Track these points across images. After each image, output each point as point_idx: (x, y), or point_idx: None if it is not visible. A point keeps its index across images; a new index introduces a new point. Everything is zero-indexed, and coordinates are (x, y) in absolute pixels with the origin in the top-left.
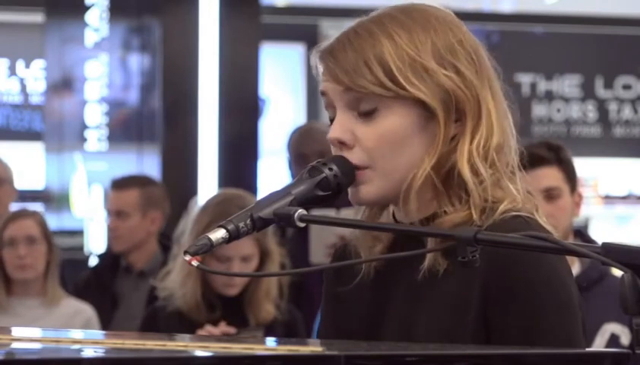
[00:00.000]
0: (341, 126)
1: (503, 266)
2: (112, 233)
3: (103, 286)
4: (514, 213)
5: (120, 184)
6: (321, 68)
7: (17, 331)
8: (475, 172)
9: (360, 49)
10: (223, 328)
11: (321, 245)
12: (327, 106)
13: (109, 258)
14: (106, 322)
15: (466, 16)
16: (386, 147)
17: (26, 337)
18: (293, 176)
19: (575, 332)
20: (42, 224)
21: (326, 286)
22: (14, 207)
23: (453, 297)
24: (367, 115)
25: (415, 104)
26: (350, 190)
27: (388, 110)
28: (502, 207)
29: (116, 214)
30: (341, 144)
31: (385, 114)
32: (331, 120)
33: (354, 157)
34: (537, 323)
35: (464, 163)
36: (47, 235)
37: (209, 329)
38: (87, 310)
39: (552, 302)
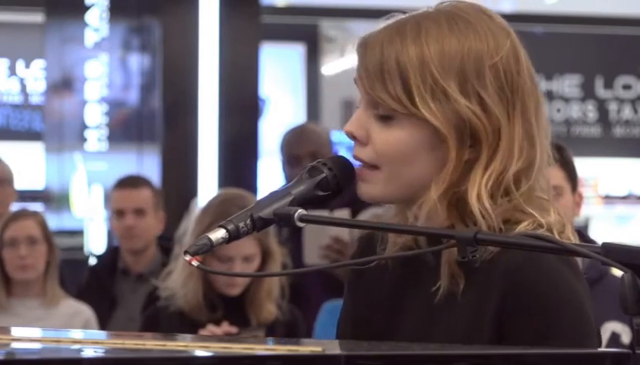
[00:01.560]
0: (358, 122)
1: (521, 281)
2: (130, 232)
3: (102, 287)
4: (530, 232)
5: (134, 182)
6: (357, 55)
7: (17, 331)
8: (481, 203)
9: (387, 52)
10: (225, 327)
11: (314, 246)
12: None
13: (108, 260)
14: (105, 324)
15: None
16: (393, 156)
17: (27, 337)
18: (287, 177)
19: (589, 343)
20: (43, 225)
21: (349, 271)
22: (14, 207)
23: (470, 308)
24: (383, 119)
25: (427, 125)
26: (358, 187)
27: (401, 122)
28: (519, 228)
29: (135, 211)
30: (355, 138)
31: (398, 125)
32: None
33: (365, 153)
34: (550, 331)
35: (473, 195)
36: (47, 235)
37: (211, 329)
38: (86, 311)
39: (566, 312)
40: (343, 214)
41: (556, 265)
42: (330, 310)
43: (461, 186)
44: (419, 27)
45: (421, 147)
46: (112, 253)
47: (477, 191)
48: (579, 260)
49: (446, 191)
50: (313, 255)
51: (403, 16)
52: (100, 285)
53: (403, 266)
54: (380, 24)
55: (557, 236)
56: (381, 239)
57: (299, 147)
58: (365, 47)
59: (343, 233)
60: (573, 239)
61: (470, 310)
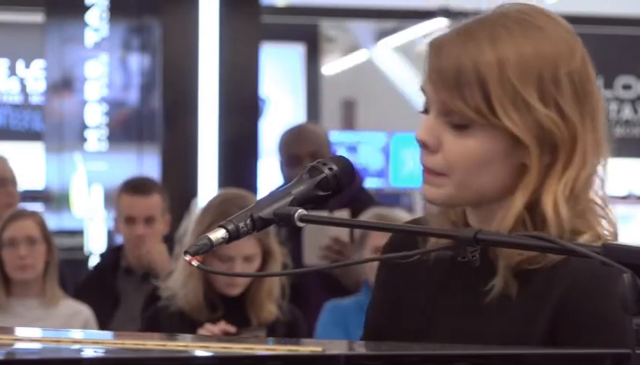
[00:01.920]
0: (429, 129)
1: (578, 295)
2: (140, 240)
3: (105, 286)
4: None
5: (145, 188)
6: (426, 58)
7: (17, 331)
8: (556, 210)
9: (464, 57)
10: (223, 326)
11: (314, 246)
12: (422, 90)
13: (110, 259)
14: (107, 322)
15: (466, 16)
16: (467, 165)
17: (27, 337)
18: (286, 177)
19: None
20: (42, 225)
21: (383, 267)
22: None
23: (524, 313)
24: (458, 128)
25: (507, 134)
26: (422, 186)
27: (479, 132)
28: (581, 240)
29: (146, 220)
30: (425, 146)
31: (475, 134)
32: (425, 111)
33: (435, 161)
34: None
35: (549, 200)
36: (47, 235)
37: (209, 328)
38: (85, 311)
39: (616, 339)
40: (343, 214)
41: (614, 283)
42: (331, 310)
43: (535, 194)
44: (494, 35)
45: (496, 157)
46: (115, 252)
47: (553, 198)
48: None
49: (527, 198)
50: (313, 256)
51: (470, 22)
52: (103, 284)
53: (446, 262)
54: (446, 29)
55: None
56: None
57: (299, 147)
58: (439, 51)
59: (343, 233)
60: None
61: (524, 315)
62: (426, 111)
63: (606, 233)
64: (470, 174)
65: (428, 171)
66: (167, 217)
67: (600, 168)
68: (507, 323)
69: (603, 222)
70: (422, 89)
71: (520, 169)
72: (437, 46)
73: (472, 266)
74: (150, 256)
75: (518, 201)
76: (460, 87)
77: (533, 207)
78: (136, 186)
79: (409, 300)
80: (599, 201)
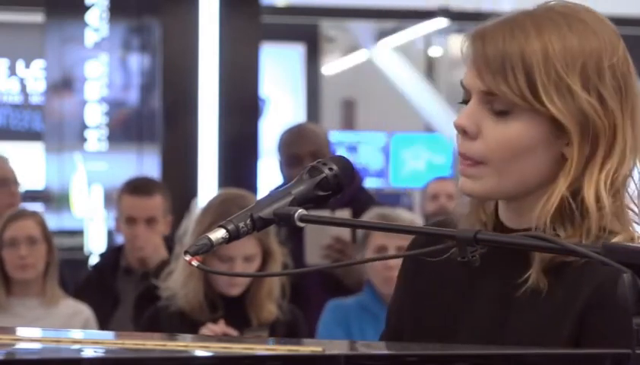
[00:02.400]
0: (470, 115)
1: (607, 291)
2: (140, 242)
3: (105, 285)
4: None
5: (146, 189)
6: (468, 51)
7: (17, 331)
8: (599, 200)
9: (510, 45)
10: (224, 328)
11: (316, 246)
12: (464, 87)
13: (110, 258)
14: (106, 322)
15: (465, 16)
16: (507, 151)
17: (27, 337)
18: (286, 177)
19: None
20: (43, 225)
21: (405, 267)
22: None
23: (551, 313)
24: (499, 114)
25: (548, 120)
26: (460, 179)
27: (520, 118)
28: (615, 239)
29: (147, 221)
30: (464, 132)
31: (516, 120)
32: (464, 101)
33: (474, 149)
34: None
35: (591, 191)
36: (47, 235)
37: (212, 327)
38: (85, 311)
39: None
40: (344, 213)
41: None
42: (333, 309)
43: (575, 184)
44: (540, 25)
45: (537, 144)
46: (115, 252)
47: (595, 188)
48: None
49: (568, 187)
50: (314, 255)
51: (514, 13)
52: (102, 284)
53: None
54: (491, 21)
55: None
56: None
57: (300, 147)
58: (483, 39)
59: (345, 232)
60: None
61: (554, 309)
62: (465, 102)
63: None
64: (510, 162)
65: (466, 159)
66: (169, 217)
67: (635, 172)
68: (537, 317)
69: (637, 227)
70: (462, 83)
71: (560, 160)
72: (481, 35)
73: (504, 259)
74: (144, 248)
75: (560, 187)
76: (506, 71)
77: (574, 198)
78: (138, 187)
79: (434, 299)
80: (634, 206)
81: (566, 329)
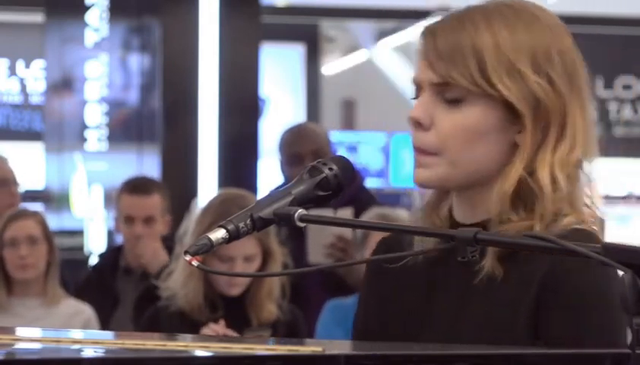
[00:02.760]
0: (422, 107)
1: (560, 271)
2: (139, 250)
3: (104, 286)
4: (576, 226)
5: (144, 188)
6: (420, 47)
7: (17, 331)
8: (554, 182)
9: (460, 36)
10: (226, 330)
11: (318, 245)
12: (414, 82)
13: (110, 259)
14: (106, 322)
15: None
16: (460, 139)
17: (27, 337)
18: (287, 177)
19: (618, 336)
20: (43, 224)
21: (370, 270)
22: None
23: (507, 299)
24: (451, 103)
25: (501, 105)
26: (414, 171)
27: (473, 104)
28: (566, 221)
29: (145, 220)
30: (418, 124)
31: (469, 107)
32: (415, 97)
33: (427, 139)
34: (582, 323)
35: (545, 173)
36: (48, 235)
37: (214, 327)
38: (86, 311)
39: (602, 317)
40: (346, 212)
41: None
42: (332, 309)
43: (529, 168)
44: (489, 17)
45: (490, 130)
46: (114, 252)
47: (550, 171)
48: None
49: (522, 172)
50: (317, 254)
51: (465, 9)
52: (102, 284)
53: (435, 260)
54: (442, 16)
55: (599, 234)
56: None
57: (301, 146)
58: (434, 34)
59: (347, 231)
60: (602, 228)
61: (511, 296)
62: (416, 98)
63: (592, 220)
64: (464, 150)
65: (420, 151)
66: (167, 217)
67: (587, 164)
68: (495, 305)
69: (589, 214)
70: (414, 80)
71: (512, 148)
72: (432, 30)
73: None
74: (144, 255)
75: (517, 169)
76: (457, 59)
77: (523, 184)
78: (136, 186)
79: (397, 305)
80: (587, 195)
81: (522, 315)
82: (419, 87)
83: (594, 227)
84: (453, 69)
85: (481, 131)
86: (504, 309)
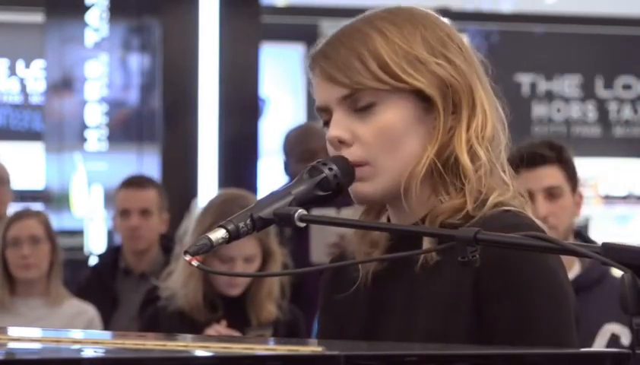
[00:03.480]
0: (339, 124)
1: (494, 262)
2: (134, 232)
3: (104, 286)
4: (505, 207)
5: (140, 182)
6: (314, 73)
7: (17, 331)
8: (473, 158)
9: (352, 46)
10: (225, 329)
11: (321, 244)
12: (319, 110)
13: (109, 259)
14: (106, 323)
15: (465, 16)
16: (385, 142)
17: (27, 337)
18: (293, 176)
19: (566, 326)
20: (46, 224)
21: (323, 295)
22: (13, 207)
23: (448, 297)
24: (364, 111)
25: (412, 95)
26: (351, 188)
27: (385, 104)
28: (492, 199)
29: (141, 212)
30: (341, 142)
31: (383, 108)
32: (325, 123)
33: (353, 154)
34: (527, 316)
35: (463, 151)
36: (51, 235)
37: (217, 328)
38: (89, 310)
39: (543, 295)
40: (350, 212)
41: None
42: None
43: (446, 151)
44: (371, 21)
45: (408, 123)
46: (113, 253)
47: (468, 147)
48: (579, 260)
49: (437, 152)
50: (320, 254)
51: (345, 26)
52: (101, 284)
53: (378, 276)
54: (323, 40)
55: (527, 212)
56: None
57: (314, 142)
58: (323, 54)
59: (350, 231)
60: (529, 211)
61: (452, 282)
62: (326, 124)
63: (511, 196)
64: (390, 151)
65: (353, 165)
66: (165, 215)
67: (500, 131)
68: (438, 292)
69: (512, 191)
70: (319, 107)
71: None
72: (322, 51)
73: (404, 264)
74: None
75: (425, 155)
76: (357, 65)
77: (447, 166)
78: (132, 181)
79: (350, 328)
80: (506, 178)
81: (467, 301)
82: (326, 111)
83: (518, 205)
84: (356, 75)
85: (401, 128)
86: (445, 310)
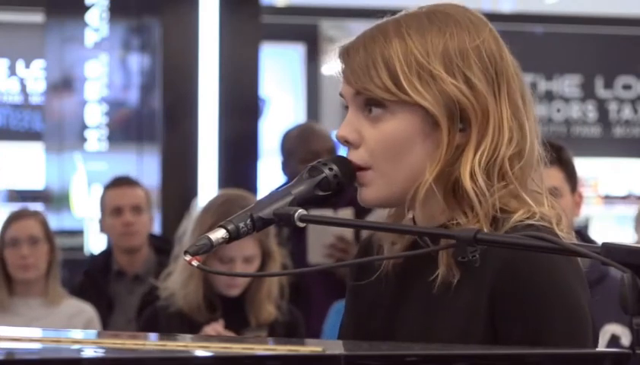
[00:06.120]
0: (349, 125)
1: (510, 272)
2: (129, 228)
3: (98, 290)
4: (528, 222)
5: (129, 181)
6: (340, 67)
7: (17, 331)
8: (474, 179)
9: (371, 50)
10: (222, 330)
11: (318, 245)
12: (342, 96)
13: (101, 262)
14: (103, 327)
15: None
16: (387, 150)
17: (26, 337)
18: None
19: (583, 338)
20: (44, 224)
21: (351, 277)
22: (14, 207)
23: (465, 307)
24: (375, 116)
25: (419, 110)
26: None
27: (393, 113)
28: (515, 217)
29: (133, 209)
30: (347, 142)
31: (390, 117)
32: (346, 108)
33: (357, 156)
34: (543, 327)
35: (466, 174)
36: (49, 235)
37: (215, 327)
38: (88, 310)
39: (559, 306)
40: (346, 213)
41: (548, 259)
42: (338, 311)
43: (455, 171)
44: (400, 24)
45: (412, 137)
46: (105, 255)
47: (470, 169)
48: (580, 260)
49: (440, 173)
50: (317, 254)
51: (381, 22)
52: (96, 287)
53: (400, 271)
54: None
55: (555, 227)
56: (378, 248)
57: (318, 143)
58: (346, 52)
59: (347, 231)
60: (571, 234)
61: (467, 302)
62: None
63: (545, 210)
64: (391, 159)
65: (356, 168)
66: (151, 215)
67: (532, 151)
68: (453, 312)
69: (546, 205)
70: (341, 94)
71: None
72: (346, 49)
73: (427, 261)
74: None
75: (427, 174)
76: (370, 72)
77: (457, 186)
78: (120, 180)
79: (368, 324)
80: (538, 190)
81: (482, 320)
82: (346, 100)
83: (549, 221)
84: (367, 82)
85: (405, 140)
86: (463, 315)
